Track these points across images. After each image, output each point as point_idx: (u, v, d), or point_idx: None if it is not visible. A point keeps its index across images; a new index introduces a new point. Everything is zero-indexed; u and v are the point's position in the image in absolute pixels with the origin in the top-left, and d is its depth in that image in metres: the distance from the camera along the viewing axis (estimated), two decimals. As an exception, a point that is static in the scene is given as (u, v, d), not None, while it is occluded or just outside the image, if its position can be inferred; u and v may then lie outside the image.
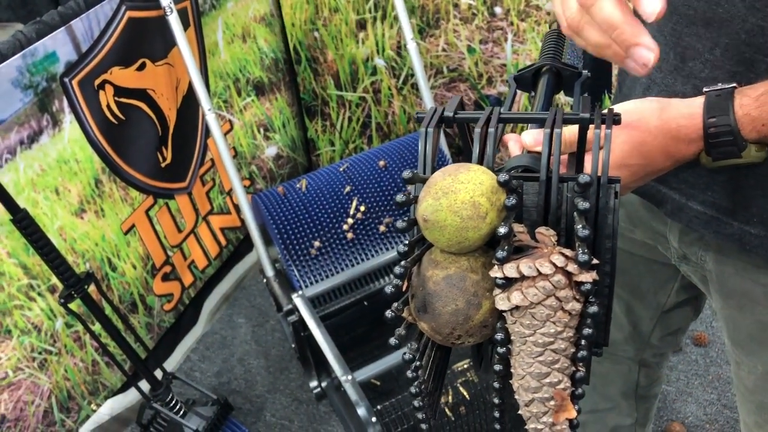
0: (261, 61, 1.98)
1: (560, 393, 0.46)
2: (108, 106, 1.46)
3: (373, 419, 1.28)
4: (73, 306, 1.28)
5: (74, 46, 1.34)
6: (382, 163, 1.67)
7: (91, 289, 1.31)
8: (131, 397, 1.67)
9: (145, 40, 1.51)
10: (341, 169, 1.67)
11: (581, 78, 0.77)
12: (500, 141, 0.65)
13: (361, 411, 1.29)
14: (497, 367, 0.49)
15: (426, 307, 0.48)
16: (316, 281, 1.53)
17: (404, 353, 0.50)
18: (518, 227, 0.47)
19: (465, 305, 0.47)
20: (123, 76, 1.48)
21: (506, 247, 0.44)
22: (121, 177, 1.54)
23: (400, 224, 0.49)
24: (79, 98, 1.38)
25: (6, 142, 1.26)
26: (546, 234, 0.47)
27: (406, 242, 0.50)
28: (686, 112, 0.61)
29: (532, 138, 0.60)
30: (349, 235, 1.57)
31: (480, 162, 0.52)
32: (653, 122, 0.61)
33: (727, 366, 1.71)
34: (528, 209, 0.51)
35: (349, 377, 1.34)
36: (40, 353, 1.41)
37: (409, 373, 0.50)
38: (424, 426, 0.53)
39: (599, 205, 0.50)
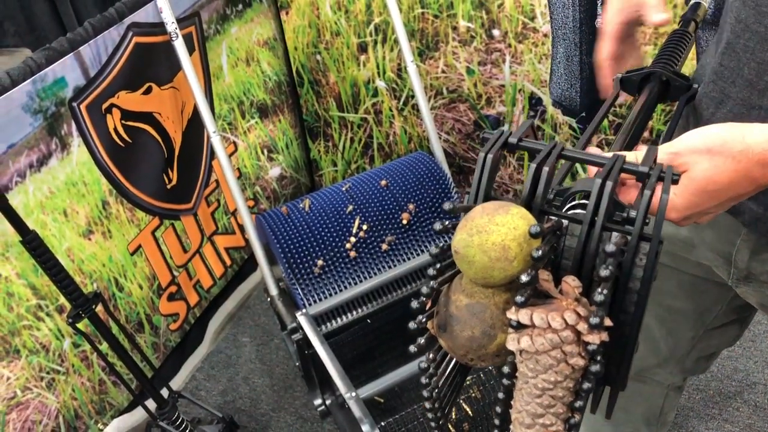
0: (264, 84, 2.02)
1: None
2: (115, 129, 1.49)
3: (377, 435, 1.29)
4: (80, 326, 1.30)
5: (82, 71, 1.38)
6: (383, 182, 1.69)
7: (99, 309, 1.33)
8: (137, 416, 1.68)
9: (152, 65, 1.55)
10: (344, 189, 1.70)
11: (689, 92, 0.77)
12: (567, 174, 0.66)
13: (365, 428, 1.31)
14: (500, 395, 0.52)
15: (446, 327, 0.51)
16: (320, 299, 1.55)
17: (420, 362, 0.53)
18: (544, 274, 0.48)
19: (481, 335, 0.49)
20: (130, 100, 1.51)
21: (526, 294, 0.46)
22: (127, 199, 1.57)
23: (433, 249, 0.51)
24: (87, 122, 1.42)
25: (16, 166, 1.29)
26: (571, 285, 0.48)
27: (437, 265, 0.52)
28: None
29: None
30: (352, 254, 1.59)
31: (530, 199, 0.53)
32: (737, 147, 0.60)
33: (729, 381, 1.71)
34: (570, 249, 0.53)
35: (353, 394, 1.36)
36: (48, 373, 1.43)
37: (423, 380, 0.53)
38: (432, 424, 0.56)
39: (635, 262, 0.51)
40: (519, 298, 0.46)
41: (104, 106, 1.45)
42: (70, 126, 1.39)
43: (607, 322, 0.46)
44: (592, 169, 0.62)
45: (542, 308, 0.46)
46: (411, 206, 1.65)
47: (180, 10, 1.61)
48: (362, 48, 1.98)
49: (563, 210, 0.59)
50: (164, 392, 1.53)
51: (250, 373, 1.90)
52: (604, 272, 0.45)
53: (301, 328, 1.50)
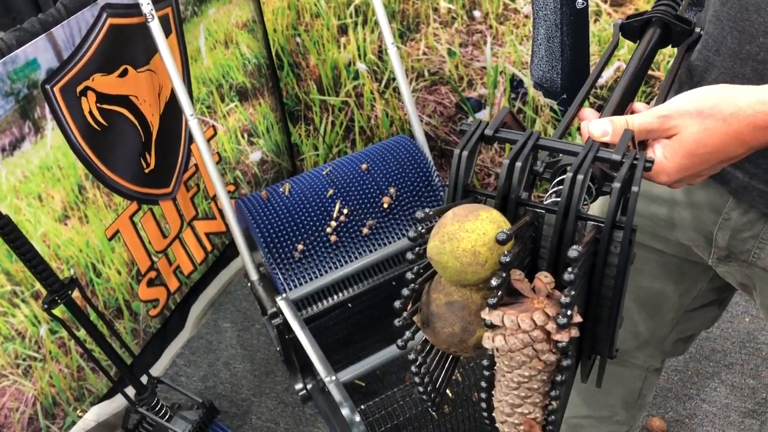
0: (244, 66, 2.00)
1: (529, 421, 0.52)
2: (90, 112, 1.47)
3: (357, 418, 1.29)
4: (57, 312, 1.29)
5: (55, 53, 1.35)
6: (364, 166, 1.68)
7: (76, 295, 1.32)
8: (117, 403, 1.67)
9: (127, 47, 1.52)
10: (324, 173, 1.68)
11: (692, 37, 0.76)
12: (572, 120, 0.67)
13: (345, 411, 1.31)
14: (483, 384, 0.54)
15: (428, 323, 0.53)
16: (300, 284, 1.54)
17: (410, 355, 0.56)
18: (516, 274, 0.50)
19: (460, 331, 0.51)
20: (105, 82, 1.49)
21: (497, 296, 0.48)
22: (104, 183, 1.54)
23: (409, 256, 0.53)
24: (61, 105, 1.39)
25: (-12, 150, 1.26)
26: (543, 281, 0.50)
27: (415, 268, 0.54)
28: (763, 98, 0.60)
29: (600, 130, 0.60)
30: (333, 238, 1.58)
31: (506, 195, 0.54)
32: (728, 110, 0.60)
33: (706, 362, 1.73)
34: (546, 238, 0.54)
35: (333, 378, 1.35)
36: (24, 360, 1.41)
37: (413, 368, 0.55)
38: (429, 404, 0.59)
39: (609, 250, 0.53)
40: (491, 300, 0.48)
41: (79, 88, 1.42)
42: (43, 109, 1.36)
43: (577, 318, 0.47)
44: (585, 132, 0.62)
45: (513, 309, 0.48)
46: (392, 190, 1.64)
47: (156, -10, 1.58)
48: (342, 30, 1.95)
49: (551, 184, 0.60)
50: (144, 379, 1.52)
51: (231, 358, 1.89)
52: (567, 276, 0.46)
53: (282, 313, 1.50)
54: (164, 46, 1.48)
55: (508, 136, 0.57)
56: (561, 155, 0.59)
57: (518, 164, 0.54)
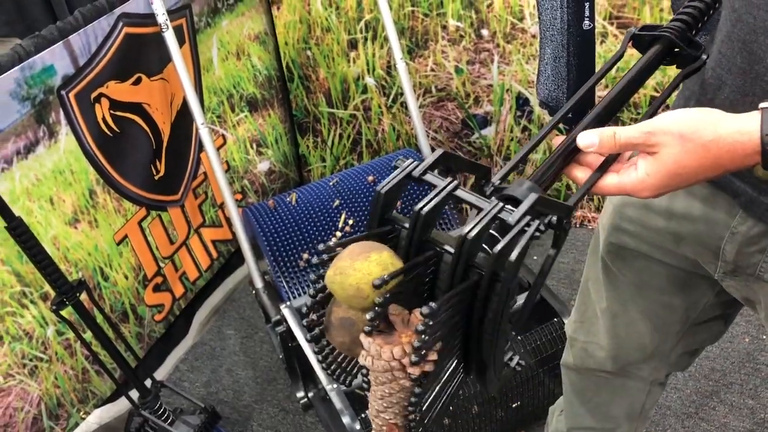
0: (255, 78, 2.03)
1: (390, 425, 0.62)
2: (103, 118, 1.50)
3: (358, 427, 1.31)
4: (64, 313, 1.31)
5: (72, 60, 1.39)
6: (370, 178, 1.70)
7: (83, 297, 1.34)
8: (119, 406, 1.69)
9: (141, 56, 1.56)
10: (331, 184, 1.71)
11: (695, 64, 0.78)
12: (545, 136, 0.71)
13: (346, 419, 1.32)
14: (364, 384, 0.63)
15: (327, 330, 0.62)
16: (304, 292, 1.56)
17: (315, 347, 0.64)
18: (395, 309, 0.58)
19: (349, 342, 0.60)
20: (119, 90, 1.52)
21: (371, 325, 0.55)
22: (114, 188, 1.57)
23: (312, 276, 0.62)
24: (76, 111, 1.42)
25: (3, 152, 1.29)
26: (417, 318, 0.57)
27: (319, 285, 0.62)
28: (742, 129, 0.62)
29: (587, 142, 0.66)
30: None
31: (411, 241, 0.61)
32: (708, 136, 0.63)
33: (705, 380, 1.74)
34: (444, 272, 0.60)
35: (335, 386, 1.37)
36: (30, 360, 1.43)
37: (318, 357, 0.65)
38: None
39: (490, 297, 0.58)
40: (366, 328, 0.56)
41: (93, 95, 1.46)
42: (58, 114, 1.39)
43: (432, 357, 0.55)
44: (557, 140, 0.67)
45: (382, 338, 0.57)
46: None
47: (171, 1, 1.62)
48: (352, 44, 1.99)
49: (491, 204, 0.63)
50: (148, 382, 1.53)
51: (233, 365, 1.91)
52: (420, 327, 0.53)
53: (285, 321, 1.52)
54: (178, 55, 1.51)
55: (431, 181, 0.62)
56: (507, 183, 0.64)
57: (422, 213, 0.59)
